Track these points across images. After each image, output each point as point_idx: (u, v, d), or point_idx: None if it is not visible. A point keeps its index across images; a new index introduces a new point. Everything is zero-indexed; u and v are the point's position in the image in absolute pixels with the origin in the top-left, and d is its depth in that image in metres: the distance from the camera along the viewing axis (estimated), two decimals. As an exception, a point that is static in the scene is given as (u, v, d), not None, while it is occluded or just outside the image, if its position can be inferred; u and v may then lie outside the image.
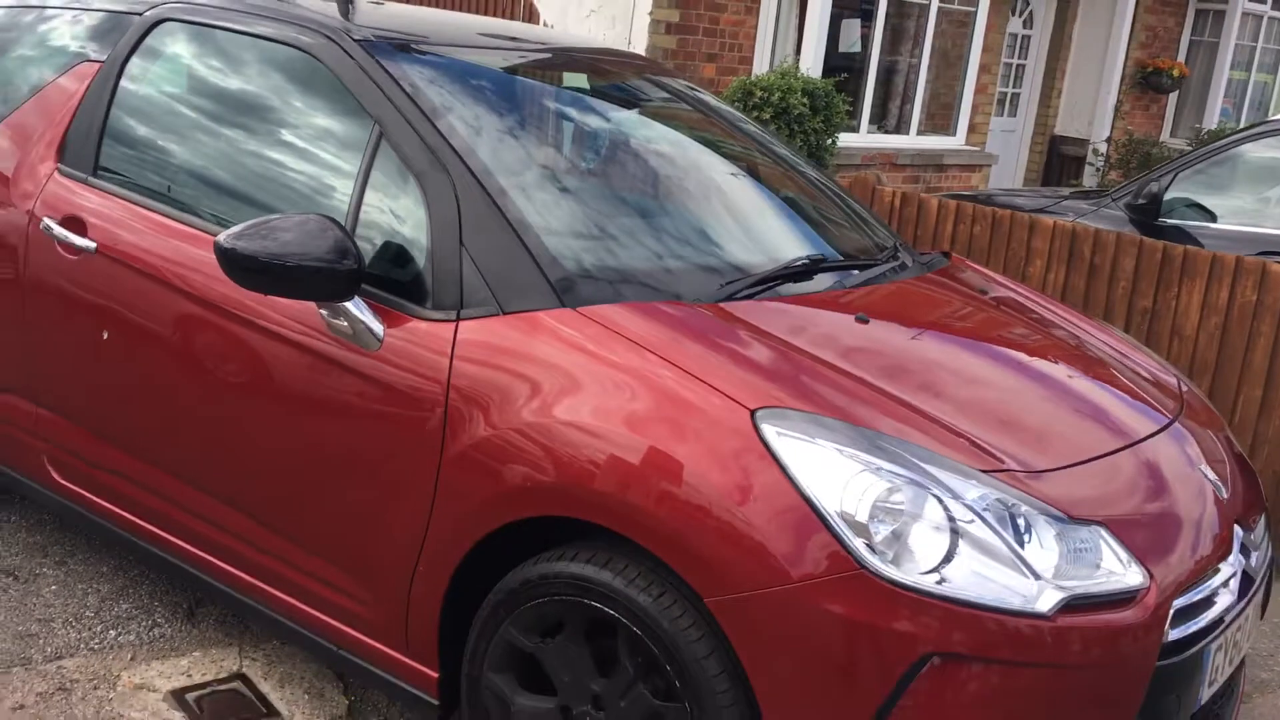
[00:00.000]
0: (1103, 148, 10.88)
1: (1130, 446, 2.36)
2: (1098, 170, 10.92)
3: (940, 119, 9.72)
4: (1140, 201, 5.42)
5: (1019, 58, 11.17)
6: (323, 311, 2.46)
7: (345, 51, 2.75)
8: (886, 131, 9.32)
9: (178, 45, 3.13)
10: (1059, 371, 2.63)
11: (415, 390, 2.36)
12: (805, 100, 7.41)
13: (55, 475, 3.17)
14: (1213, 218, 5.36)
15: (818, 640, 1.97)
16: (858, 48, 8.85)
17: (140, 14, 3.19)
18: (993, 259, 4.81)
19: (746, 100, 7.42)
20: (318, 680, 2.96)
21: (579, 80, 3.41)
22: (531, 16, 7.68)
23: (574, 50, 3.62)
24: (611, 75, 3.50)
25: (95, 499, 3.08)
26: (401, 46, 2.85)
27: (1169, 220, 5.38)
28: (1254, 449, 4.17)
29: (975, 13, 9.36)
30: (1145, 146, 10.95)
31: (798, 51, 8.42)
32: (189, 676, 2.93)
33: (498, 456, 2.24)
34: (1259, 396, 4.15)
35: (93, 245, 2.94)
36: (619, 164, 3.12)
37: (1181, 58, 12.12)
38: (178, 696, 2.84)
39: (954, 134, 9.66)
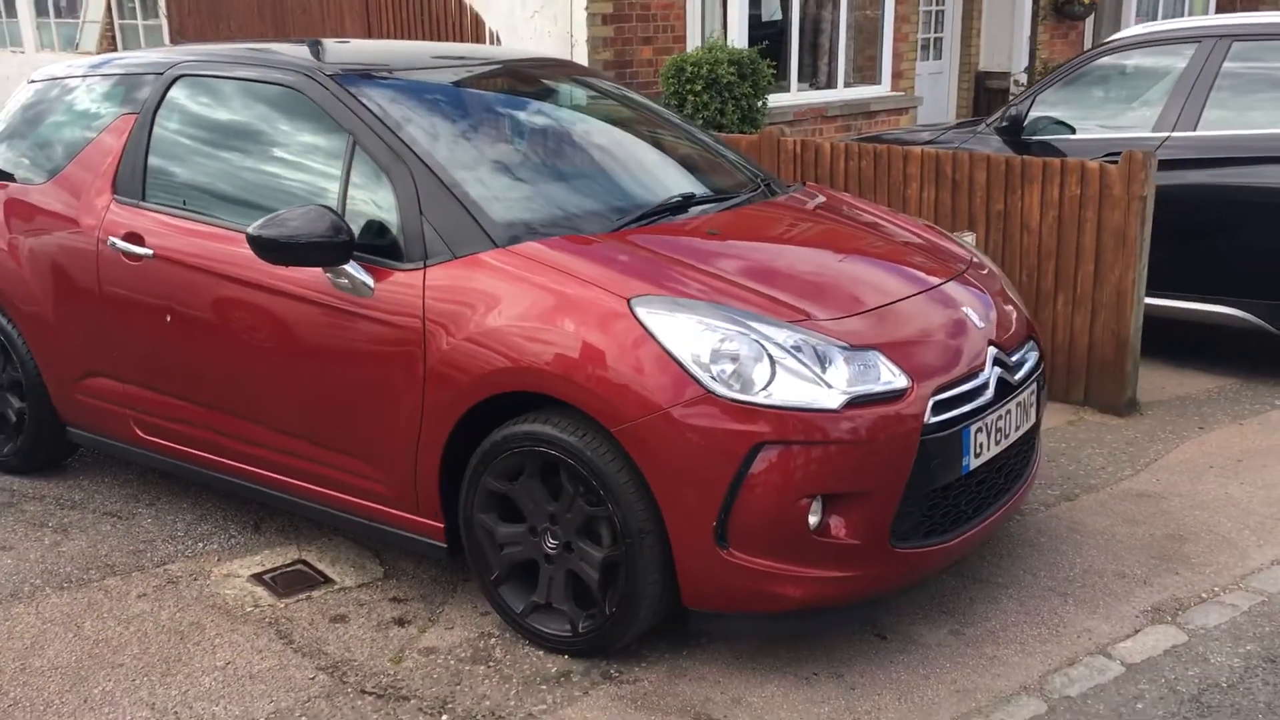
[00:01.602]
0: (1023, 78, 11.78)
1: (904, 299, 3.32)
2: (1021, 99, 11.80)
3: (867, 70, 10.63)
4: (1004, 124, 6.35)
5: (938, 4, 12.06)
6: (328, 274, 3.42)
7: (320, 84, 3.71)
8: (817, 88, 10.23)
9: (193, 93, 4.09)
10: (859, 253, 3.61)
11: (401, 321, 3.32)
12: (733, 69, 8.33)
13: (140, 433, 4.15)
14: (1071, 130, 6.26)
15: (685, 444, 2.92)
16: (779, 15, 9.76)
17: (161, 73, 4.16)
18: (877, 186, 5.75)
19: (680, 76, 8.34)
20: (359, 558, 3.94)
21: (508, 84, 4.38)
22: (479, 25, 8.57)
23: (506, 61, 4.57)
24: (535, 77, 4.46)
25: (174, 446, 4.06)
26: (364, 74, 3.80)
27: (1034, 138, 6.29)
28: (1094, 313, 5.11)
29: (885, -31, 10.26)
30: (1063, 72, 11.82)
31: (725, 26, 9.33)
32: (263, 565, 3.91)
33: (462, 358, 3.20)
34: (1092, 271, 5.09)
35: (150, 252, 3.91)
36: (539, 143, 4.06)
37: (1093, -16, 12.98)
38: (257, 578, 3.83)
39: (879, 83, 10.57)
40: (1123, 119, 6.15)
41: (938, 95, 12.05)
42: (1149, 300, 5.41)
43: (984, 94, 12.23)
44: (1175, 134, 5.72)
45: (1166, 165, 5.55)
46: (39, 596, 3.70)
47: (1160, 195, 5.19)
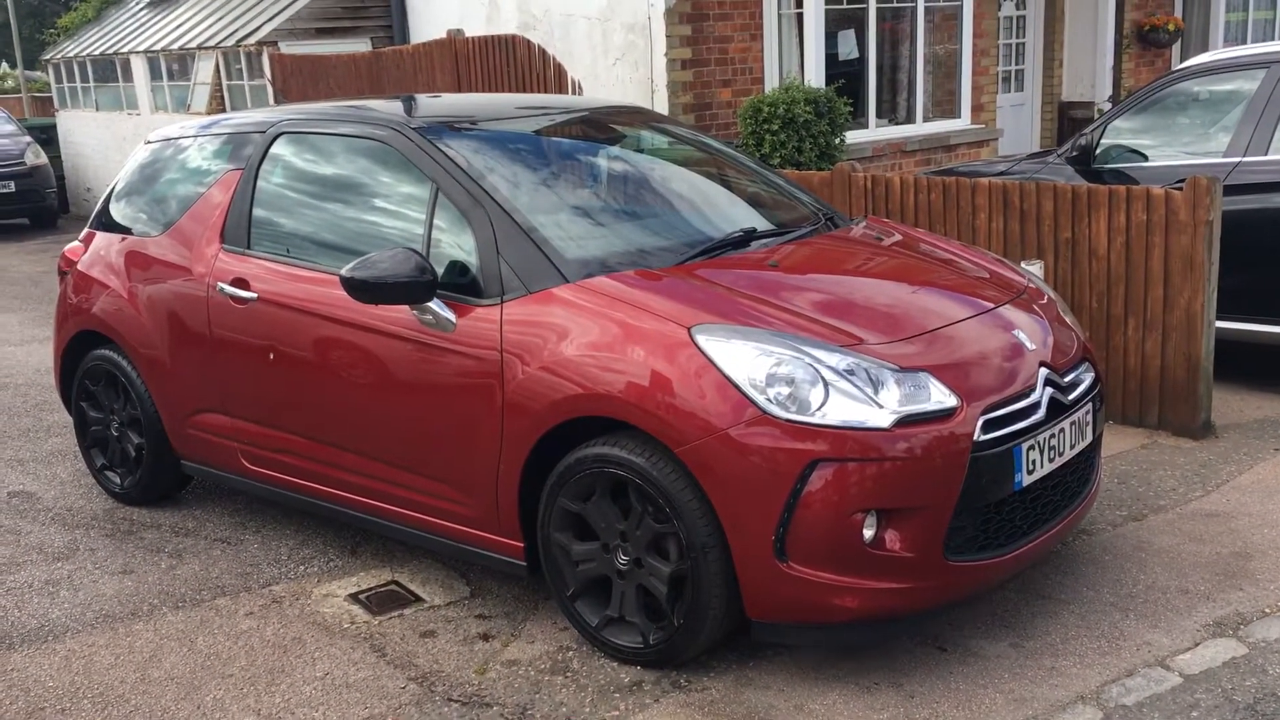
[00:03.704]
0: (1106, 107, 11.73)
1: (955, 323, 3.46)
2: (1105, 128, 11.75)
3: (946, 104, 10.71)
4: (1073, 154, 6.42)
5: (1018, 37, 12.11)
6: (414, 311, 3.69)
7: (405, 137, 4.01)
8: (895, 123, 10.35)
9: (293, 149, 4.43)
10: (912, 280, 3.77)
11: (480, 353, 3.57)
12: (809, 108, 8.53)
13: (247, 464, 4.47)
14: (1144, 158, 6.31)
15: (744, 463, 3.10)
16: (855, 54, 9.93)
17: (264, 131, 4.51)
18: (946, 218, 5.88)
19: (757, 116, 8.57)
20: (448, 578, 4.18)
21: (582, 131, 4.64)
22: (562, 74, 8.90)
23: (582, 109, 4.85)
24: (607, 124, 4.71)
25: (278, 475, 4.37)
26: (447, 126, 4.10)
27: (1106, 166, 6.35)
28: (1164, 337, 5.16)
29: (961, 6, 10.36)
30: (1148, 99, 11.75)
31: (801, 66, 9.54)
32: (359, 585, 4.17)
33: (537, 386, 3.44)
34: (1161, 295, 5.14)
35: (255, 296, 4.24)
36: (609, 184, 4.31)
37: (1178, 11, 12.90)
38: (354, 597, 4.09)
39: (959, 116, 10.65)
40: (1194, 145, 6.18)
41: (1020, 126, 12.06)
42: (1227, 325, 5.45)
43: (1068, 124, 12.20)
44: (1246, 159, 5.74)
45: (1239, 190, 5.59)
46: (156, 615, 4.02)
47: (1233, 220, 5.24)
